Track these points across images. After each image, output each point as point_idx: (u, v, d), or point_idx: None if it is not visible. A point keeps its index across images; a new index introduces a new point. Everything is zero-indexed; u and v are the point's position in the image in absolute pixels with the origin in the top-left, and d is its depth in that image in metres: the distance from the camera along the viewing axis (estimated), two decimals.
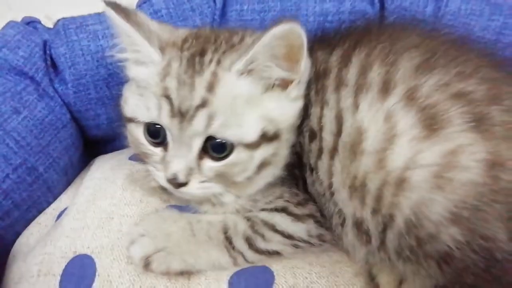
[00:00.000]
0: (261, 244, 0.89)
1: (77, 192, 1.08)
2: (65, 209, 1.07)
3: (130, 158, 1.14)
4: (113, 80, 1.10)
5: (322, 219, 0.92)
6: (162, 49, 0.84)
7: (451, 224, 0.76)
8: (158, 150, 0.87)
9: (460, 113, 0.78)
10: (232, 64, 0.81)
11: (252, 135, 0.82)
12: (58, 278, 0.88)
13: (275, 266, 0.89)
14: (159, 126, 0.84)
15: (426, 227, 0.77)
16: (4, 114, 0.98)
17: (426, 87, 0.79)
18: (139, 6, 1.14)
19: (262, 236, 0.89)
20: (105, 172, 1.11)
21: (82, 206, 1.01)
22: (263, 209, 0.92)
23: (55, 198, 1.13)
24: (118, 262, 0.88)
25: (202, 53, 0.84)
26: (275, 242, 0.90)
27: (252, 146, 0.83)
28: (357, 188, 0.82)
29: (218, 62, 0.82)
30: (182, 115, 0.80)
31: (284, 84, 0.85)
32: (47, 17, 1.15)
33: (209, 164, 0.84)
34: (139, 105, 0.85)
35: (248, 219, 0.91)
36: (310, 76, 0.90)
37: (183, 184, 0.84)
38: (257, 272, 0.88)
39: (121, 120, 0.95)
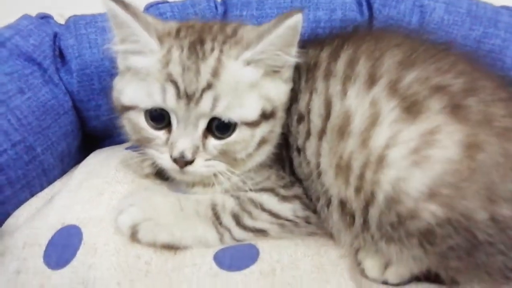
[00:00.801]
0: (248, 221, 0.91)
1: (71, 176, 1.10)
2: (53, 197, 1.09)
3: (127, 149, 1.17)
4: (117, 73, 1.16)
5: (308, 201, 0.94)
6: (159, 39, 0.88)
7: (430, 200, 0.78)
8: (160, 134, 0.90)
9: (438, 101, 0.83)
10: (239, 54, 0.87)
11: (253, 114, 0.88)
12: (43, 247, 0.89)
13: (261, 244, 0.90)
14: (162, 110, 0.88)
15: (406, 203, 0.79)
16: (9, 92, 1.03)
17: (407, 79, 0.86)
18: (146, 9, 1.22)
19: (250, 213, 0.91)
20: (100, 158, 1.14)
21: (74, 186, 1.03)
22: (251, 190, 0.95)
23: (49, 183, 1.15)
24: (105, 232, 0.89)
25: (201, 41, 0.89)
26: (262, 220, 0.91)
27: (253, 124, 0.89)
28: (343, 168, 0.86)
29: (221, 51, 0.88)
30: (188, 97, 0.85)
31: (276, 71, 0.91)
32: (60, 15, 1.23)
33: (213, 142, 0.89)
34: (139, 93, 0.89)
35: (237, 197, 0.94)
36: (300, 67, 0.97)
37: (189, 163, 0.88)
38: (243, 248, 0.89)
39: (114, 111, 0.98)
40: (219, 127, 0.88)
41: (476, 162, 0.78)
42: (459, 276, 0.84)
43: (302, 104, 0.94)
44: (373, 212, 0.83)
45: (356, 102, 0.86)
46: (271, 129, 0.92)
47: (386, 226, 0.82)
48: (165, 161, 0.90)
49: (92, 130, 1.27)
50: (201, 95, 0.84)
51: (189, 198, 0.95)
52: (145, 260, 0.86)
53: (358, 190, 0.84)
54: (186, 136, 0.87)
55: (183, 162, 0.87)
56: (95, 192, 0.98)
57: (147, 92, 0.87)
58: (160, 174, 1.06)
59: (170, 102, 0.85)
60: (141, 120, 0.91)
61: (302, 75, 0.97)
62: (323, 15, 1.15)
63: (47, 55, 1.13)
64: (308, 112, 0.92)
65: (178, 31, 0.92)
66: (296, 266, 0.85)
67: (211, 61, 0.86)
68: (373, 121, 0.84)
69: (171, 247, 0.88)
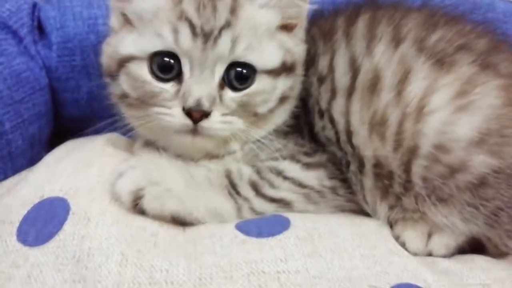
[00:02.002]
0: (269, 190, 0.79)
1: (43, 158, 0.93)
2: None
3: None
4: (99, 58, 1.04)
5: (334, 170, 0.84)
6: None
7: (479, 148, 0.73)
8: (168, 86, 0.77)
9: (466, 56, 0.81)
10: None
11: (274, 61, 0.80)
12: (16, 224, 0.71)
13: (288, 215, 0.77)
14: (170, 59, 0.76)
15: (455, 152, 0.74)
16: None
17: (433, 38, 0.84)
18: None
19: (270, 182, 0.80)
20: (80, 141, 0.98)
21: (52, 161, 0.86)
22: (266, 160, 0.83)
23: (14, 171, 0.95)
24: (98, 202, 0.73)
25: None
26: (284, 190, 0.80)
27: (274, 73, 0.80)
28: (377, 124, 0.80)
29: None
30: (205, 36, 0.75)
31: (290, 28, 0.86)
32: None
33: (231, 94, 0.77)
34: (142, 39, 0.78)
35: (253, 165, 0.82)
36: (314, 34, 0.93)
37: (205, 116, 0.74)
38: (269, 218, 0.76)
39: (104, 75, 0.86)
40: (238, 77, 0.77)
41: None
42: (509, 240, 0.76)
43: (322, 65, 0.88)
44: (417, 167, 0.76)
45: (384, 59, 0.82)
46: (292, 85, 0.84)
47: (434, 180, 0.75)
48: (175, 117, 0.75)
49: (66, 118, 1.11)
50: (220, 33, 0.75)
51: (199, 165, 0.81)
52: (151, 232, 0.70)
53: (397, 144, 0.77)
54: (202, 83, 0.75)
55: (199, 113, 0.73)
56: (80, 165, 0.82)
57: (155, 33, 0.76)
58: None
59: (184, 42, 0.74)
60: (143, 72, 0.77)
61: (318, 41, 0.92)
62: None
63: (25, 23, 0.99)
64: (331, 71, 0.86)
65: None
66: (335, 234, 0.73)
67: (227, 0, 0.78)
68: (405, 75, 0.80)
69: (179, 221, 0.73)
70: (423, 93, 0.77)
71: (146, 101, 0.79)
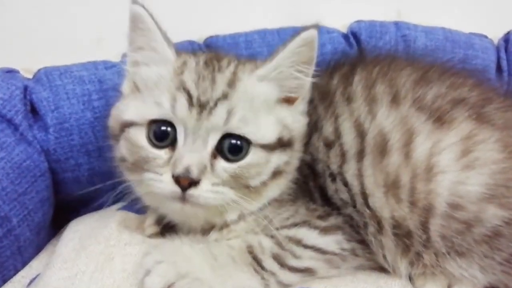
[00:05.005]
0: (292, 261, 0.81)
1: (56, 249, 0.91)
2: (37, 276, 0.88)
3: (119, 210, 1.01)
4: (99, 124, 1.02)
5: (351, 231, 0.86)
6: (176, 53, 0.84)
7: (490, 202, 0.77)
8: (162, 152, 0.79)
9: (462, 111, 0.86)
10: (253, 69, 0.83)
11: (270, 136, 0.81)
12: None
13: (316, 286, 0.79)
14: (167, 127, 0.78)
15: (468, 207, 0.78)
16: None
17: (429, 96, 0.88)
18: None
19: (292, 253, 0.81)
20: (91, 223, 0.97)
21: (69, 254, 0.85)
22: (280, 228, 0.84)
23: (24, 263, 0.93)
24: None
25: (217, 59, 0.85)
26: (307, 258, 0.82)
27: (269, 147, 0.81)
28: (392, 186, 0.82)
29: (237, 66, 0.84)
30: (201, 106, 0.77)
31: (291, 101, 0.87)
32: (25, 69, 1.09)
33: (223, 164, 0.78)
34: (144, 106, 0.81)
35: (271, 237, 0.83)
36: (313, 98, 0.93)
37: (194, 184, 0.75)
38: None
39: (108, 138, 0.89)
40: (232, 148, 0.78)
41: None
42: None
43: (327, 130, 0.90)
44: (435, 226, 0.79)
45: (388, 122, 0.85)
46: (288, 160, 0.84)
47: (453, 237, 0.78)
48: (164, 183, 0.76)
49: (66, 197, 1.08)
50: (216, 104, 0.77)
51: (220, 244, 0.82)
52: None
53: (412, 204, 0.80)
54: (193, 152, 0.76)
55: (187, 180, 0.74)
56: (102, 258, 0.81)
57: (155, 102, 0.79)
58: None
59: (180, 111, 0.77)
60: (141, 138, 0.80)
61: (318, 105, 0.94)
62: None
63: (19, 109, 0.96)
64: (338, 137, 0.88)
65: (193, 52, 0.89)
66: None
67: (227, 73, 0.81)
68: (410, 136, 0.83)
69: None
70: (429, 153, 0.81)
71: (140, 166, 0.80)
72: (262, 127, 0.80)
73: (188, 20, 1.31)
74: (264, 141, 0.80)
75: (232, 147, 0.78)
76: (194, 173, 0.74)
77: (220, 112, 0.77)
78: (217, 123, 0.77)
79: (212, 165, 0.77)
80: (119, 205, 1.04)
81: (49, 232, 1.05)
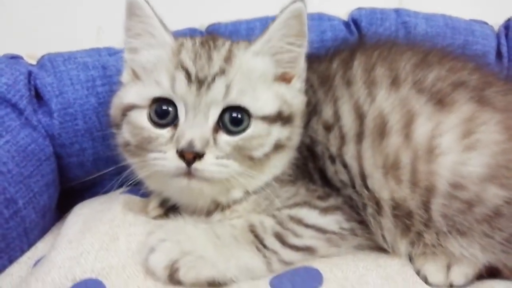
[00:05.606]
0: (294, 240, 0.82)
1: (60, 231, 0.92)
2: (43, 257, 0.90)
3: (122, 193, 1.02)
4: (103, 109, 1.04)
5: (350, 211, 0.87)
6: (174, 37, 0.87)
7: (491, 182, 0.78)
8: (164, 131, 0.81)
9: (463, 93, 0.87)
10: (247, 46, 0.86)
11: (270, 108, 0.83)
12: None
13: (316, 265, 0.80)
14: (167, 106, 0.81)
15: (469, 187, 0.78)
16: None
17: (429, 79, 0.89)
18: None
19: (293, 232, 0.82)
20: (95, 206, 0.98)
21: (74, 235, 0.86)
22: (282, 208, 0.85)
23: (30, 245, 0.95)
24: (134, 280, 0.74)
25: (213, 39, 0.88)
26: (307, 237, 0.83)
27: (269, 120, 0.83)
28: (391, 167, 0.83)
29: (231, 44, 0.87)
30: (200, 82, 0.79)
31: (288, 79, 0.90)
32: (29, 56, 1.10)
33: (225, 138, 0.80)
34: (144, 88, 0.84)
35: (273, 216, 0.84)
36: (313, 82, 0.96)
37: (198, 158, 0.76)
38: (300, 271, 0.79)
39: (111, 126, 0.91)
40: (233, 121, 0.81)
41: None
42: None
43: (327, 113, 0.91)
44: (437, 206, 0.80)
45: (387, 104, 0.86)
46: (289, 135, 0.86)
47: (454, 216, 0.79)
48: (169, 160, 0.77)
49: (71, 181, 1.10)
50: (214, 79, 0.80)
51: (222, 223, 0.83)
52: None
53: (414, 185, 0.81)
54: (195, 126, 0.78)
55: (191, 154, 0.76)
56: (107, 238, 0.82)
57: (155, 81, 0.82)
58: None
59: (179, 88, 0.79)
60: (143, 119, 0.82)
61: (317, 89, 0.96)
62: (315, 36, 1.16)
63: (23, 94, 0.98)
64: (338, 120, 0.89)
65: (190, 36, 0.92)
66: (366, 282, 0.76)
67: (223, 50, 0.85)
68: (410, 117, 0.84)
69: (214, 285, 0.75)
70: (430, 135, 0.82)
71: (144, 147, 0.82)
72: (261, 100, 0.83)
73: (189, 8, 1.33)
74: (264, 112, 0.82)
75: (233, 120, 0.81)
76: (198, 146, 0.76)
77: (218, 86, 0.79)
78: (216, 97, 0.79)
79: (214, 139, 0.79)
80: (124, 189, 1.06)
81: (54, 216, 1.06)
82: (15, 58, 1.07)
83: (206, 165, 0.77)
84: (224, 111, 0.80)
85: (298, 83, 0.90)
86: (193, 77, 0.79)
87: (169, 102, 0.81)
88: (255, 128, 0.81)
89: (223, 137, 0.80)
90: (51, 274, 0.77)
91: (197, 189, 0.81)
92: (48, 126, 1.01)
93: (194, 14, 1.29)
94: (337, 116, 0.89)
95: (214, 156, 0.78)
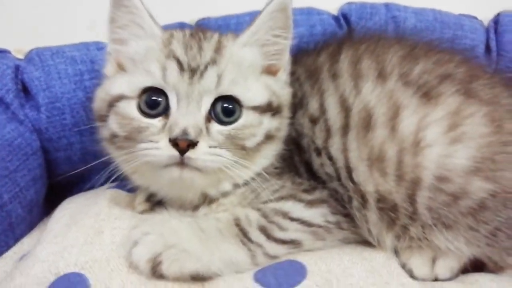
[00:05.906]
0: (278, 233, 0.82)
1: (47, 226, 0.92)
2: (28, 252, 0.90)
3: (110, 188, 1.02)
4: (91, 104, 1.03)
5: (336, 205, 0.87)
6: (162, 29, 0.87)
7: (476, 175, 0.78)
8: (155, 121, 0.80)
9: (449, 86, 0.87)
10: (235, 37, 0.87)
11: (260, 98, 0.84)
12: None
13: (301, 258, 0.80)
14: (158, 96, 0.80)
15: (454, 180, 0.78)
16: None
17: (415, 71, 0.89)
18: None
19: (278, 225, 0.82)
20: (82, 201, 0.98)
21: (60, 230, 0.86)
22: (267, 202, 0.85)
23: (16, 240, 0.95)
24: (117, 273, 0.74)
25: (202, 31, 0.89)
26: (292, 230, 0.83)
27: (260, 110, 0.84)
28: (376, 160, 0.83)
29: (220, 36, 0.87)
30: (192, 71, 0.80)
31: (274, 71, 0.90)
32: (17, 50, 1.09)
33: (217, 127, 0.80)
34: (133, 78, 0.83)
35: (258, 209, 0.84)
36: (299, 76, 0.96)
37: (192, 146, 0.76)
38: (284, 265, 0.79)
39: (95, 119, 0.90)
40: (225, 111, 0.81)
41: (503, 136, 0.81)
42: (508, 257, 0.82)
43: (313, 107, 0.91)
44: (422, 198, 0.80)
45: (373, 96, 0.86)
46: (278, 126, 0.87)
47: (440, 209, 0.79)
48: (161, 150, 0.77)
49: (59, 175, 1.09)
50: (206, 68, 0.80)
51: (207, 217, 0.83)
52: None
53: (399, 178, 0.81)
54: (188, 114, 0.78)
55: (185, 142, 0.75)
56: (91, 232, 0.82)
57: (145, 71, 0.81)
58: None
59: (171, 77, 0.79)
60: (132, 110, 0.81)
61: (304, 82, 0.96)
62: (304, 31, 1.16)
63: (10, 88, 0.97)
64: (323, 112, 0.89)
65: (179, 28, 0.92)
66: (350, 274, 0.76)
67: (212, 42, 0.85)
68: (396, 110, 0.84)
69: (198, 279, 0.75)
70: (416, 127, 0.82)
71: (133, 138, 0.81)
72: (251, 90, 0.84)
73: (179, 2, 1.32)
74: (255, 103, 0.83)
75: (225, 110, 0.81)
76: (192, 135, 0.75)
77: (211, 75, 0.79)
78: (209, 86, 0.79)
79: (207, 128, 0.79)
80: (111, 184, 1.05)
81: (42, 211, 1.06)
82: (2, 52, 1.06)
83: (199, 153, 0.77)
84: (216, 101, 0.80)
85: (284, 76, 0.91)
86: (185, 66, 0.79)
87: (160, 91, 0.81)
88: (246, 118, 0.82)
89: (215, 126, 0.80)
90: (35, 268, 0.77)
91: (189, 180, 0.80)
92: (35, 120, 1.01)
93: (184, 9, 1.29)
94: (323, 109, 0.90)
95: (207, 145, 0.78)
